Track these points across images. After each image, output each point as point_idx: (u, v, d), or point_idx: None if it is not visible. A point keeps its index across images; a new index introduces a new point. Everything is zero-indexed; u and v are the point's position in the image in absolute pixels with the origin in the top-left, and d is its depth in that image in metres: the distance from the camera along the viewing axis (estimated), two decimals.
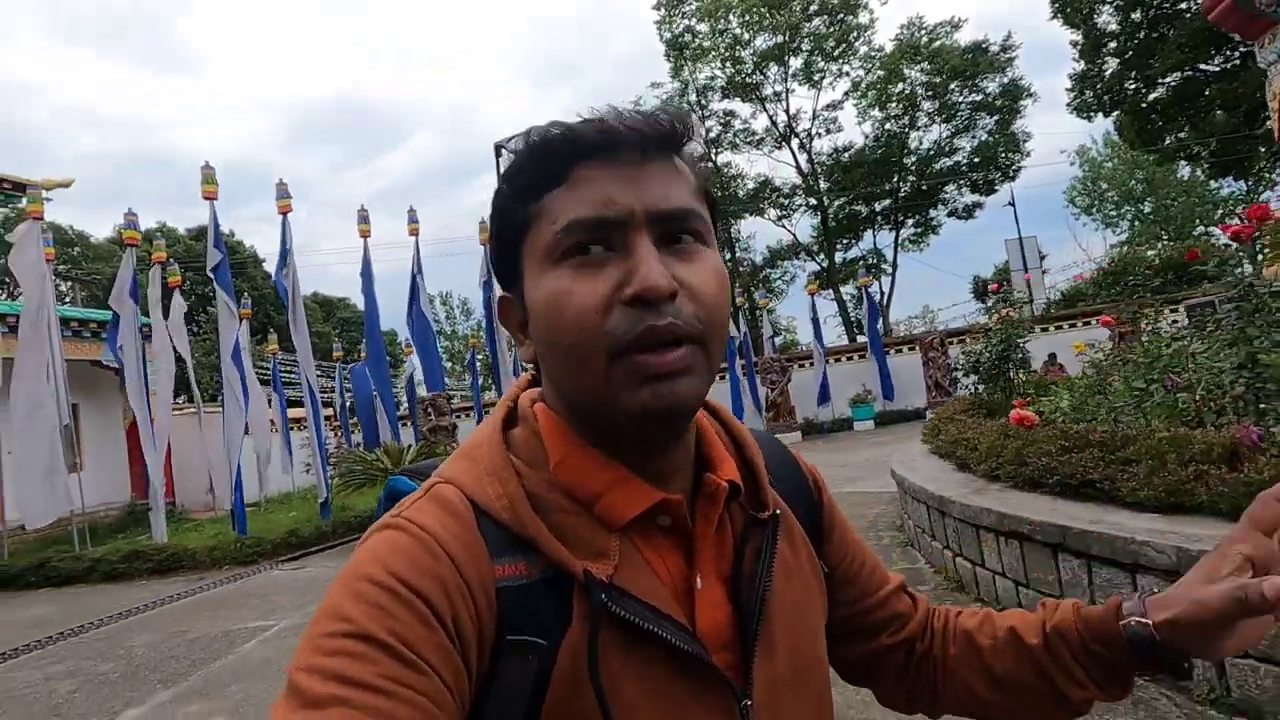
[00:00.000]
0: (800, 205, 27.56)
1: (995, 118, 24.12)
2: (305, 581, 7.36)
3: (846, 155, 26.22)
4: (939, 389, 14.95)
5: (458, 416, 16.23)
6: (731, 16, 23.96)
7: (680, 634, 0.52)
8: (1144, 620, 0.59)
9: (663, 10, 25.09)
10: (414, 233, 12.53)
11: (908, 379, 16.35)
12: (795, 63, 24.89)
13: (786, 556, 0.63)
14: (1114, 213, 38.01)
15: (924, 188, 25.56)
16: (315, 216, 71.79)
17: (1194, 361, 3.96)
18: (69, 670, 5.10)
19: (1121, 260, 17.93)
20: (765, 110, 26.21)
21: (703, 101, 25.67)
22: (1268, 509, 0.57)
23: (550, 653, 0.50)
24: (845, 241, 28.03)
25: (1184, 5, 18.33)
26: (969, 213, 26.12)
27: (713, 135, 25.92)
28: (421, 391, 14.21)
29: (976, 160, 24.74)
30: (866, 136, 25.92)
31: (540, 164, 0.54)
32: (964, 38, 24.08)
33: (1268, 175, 22.26)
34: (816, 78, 25.19)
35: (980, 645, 0.69)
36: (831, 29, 24.21)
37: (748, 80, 25.02)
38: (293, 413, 15.29)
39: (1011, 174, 24.87)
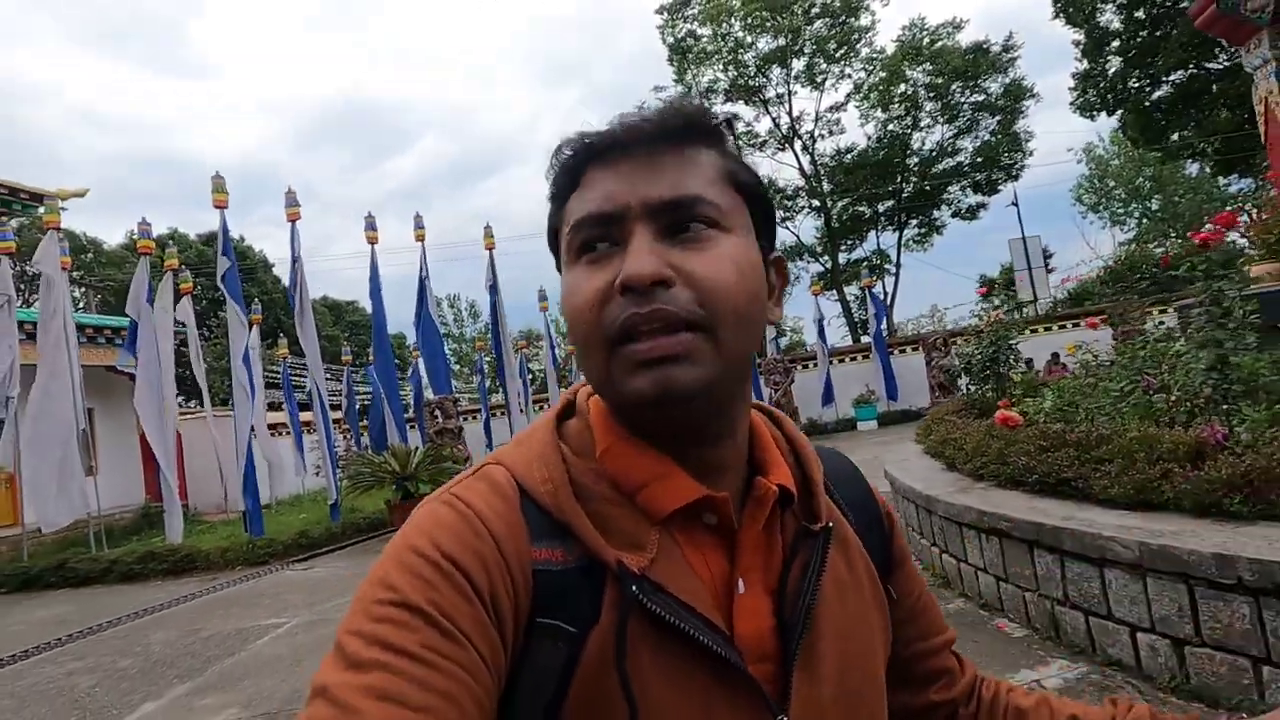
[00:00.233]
0: (803, 207, 27.62)
1: (997, 118, 24.14)
2: (315, 581, 7.55)
3: (849, 157, 26.28)
4: (942, 389, 15.02)
5: (465, 419, 16.44)
6: (734, 20, 24.10)
7: (714, 636, 0.51)
8: None
9: (665, 15, 25.25)
10: (420, 239, 12.71)
11: (911, 379, 16.43)
12: (798, 65, 24.98)
13: (840, 572, 0.61)
14: (1121, 210, 37.86)
15: (927, 188, 25.60)
16: (324, 219, 72.37)
17: (1172, 362, 4.08)
18: (89, 666, 5.30)
19: (1129, 258, 17.93)
20: (768, 113, 26.31)
21: (706, 105, 25.76)
22: None
23: (579, 641, 0.50)
24: (849, 242, 28.09)
25: (1185, 4, 18.31)
26: (972, 213, 26.15)
27: None
28: (429, 394, 14.41)
29: (979, 160, 24.76)
30: (869, 138, 25.98)
31: (563, 171, 0.57)
32: (966, 38, 24.14)
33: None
34: (819, 79, 25.28)
35: None
36: (833, 31, 24.29)
37: (750, 83, 25.13)
38: (303, 416, 15.53)
39: (1014, 174, 24.89)
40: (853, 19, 24.24)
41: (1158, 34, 18.89)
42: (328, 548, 9.37)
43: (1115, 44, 19.98)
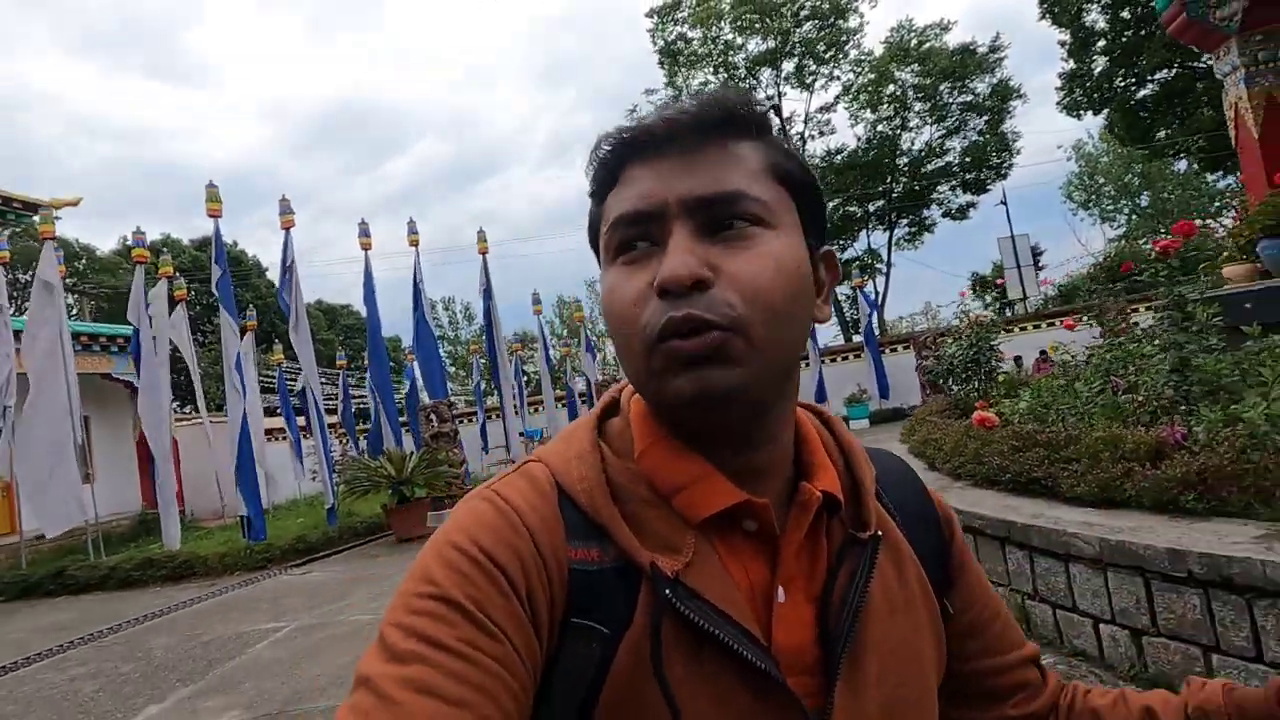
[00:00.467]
0: None
1: (985, 118, 24.37)
2: (314, 585, 7.65)
3: (839, 157, 26.49)
4: (933, 388, 15.19)
5: (460, 421, 16.54)
6: (724, 23, 24.27)
7: (751, 646, 0.50)
8: None
9: (655, 18, 25.40)
10: (414, 244, 12.76)
11: (903, 378, 16.60)
12: (787, 66, 25.20)
13: (890, 584, 0.59)
14: (1111, 207, 38.19)
15: (916, 188, 25.82)
16: (318, 222, 72.24)
17: (1142, 364, 4.23)
18: (91, 672, 5.39)
19: (1118, 255, 18.12)
20: None
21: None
22: None
23: (613, 643, 0.50)
24: (840, 243, 28.27)
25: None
26: (962, 213, 26.39)
27: None
28: (424, 398, 14.50)
29: (968, 160, 24.99)
30: (859, 138, 26.19)
31: (601, 167, 0.57)
32: (953, 39, 24.38)
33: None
34: (808, 81, 25.49)
35: None
36: (822, 33, 24.48)
37: (741, 85, 25.25)
38: (298, 421, 15.58)
39: (1003, 173, 25.13)
40: (841, 21, 24.45)
41: (1142, 33, 19.12)
42: (325, 552, 9.46)
43: (1101, 44, 20.23)
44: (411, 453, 10.53)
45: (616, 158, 0.55)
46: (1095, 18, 19.96)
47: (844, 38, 24.59)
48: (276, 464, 14.07)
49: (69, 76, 75.97)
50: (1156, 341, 4.44)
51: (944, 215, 26.89)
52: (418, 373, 14.53)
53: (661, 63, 25.97)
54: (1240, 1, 5.54)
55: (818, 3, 24.08)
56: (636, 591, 0.51)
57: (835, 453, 0.63)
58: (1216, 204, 32.50)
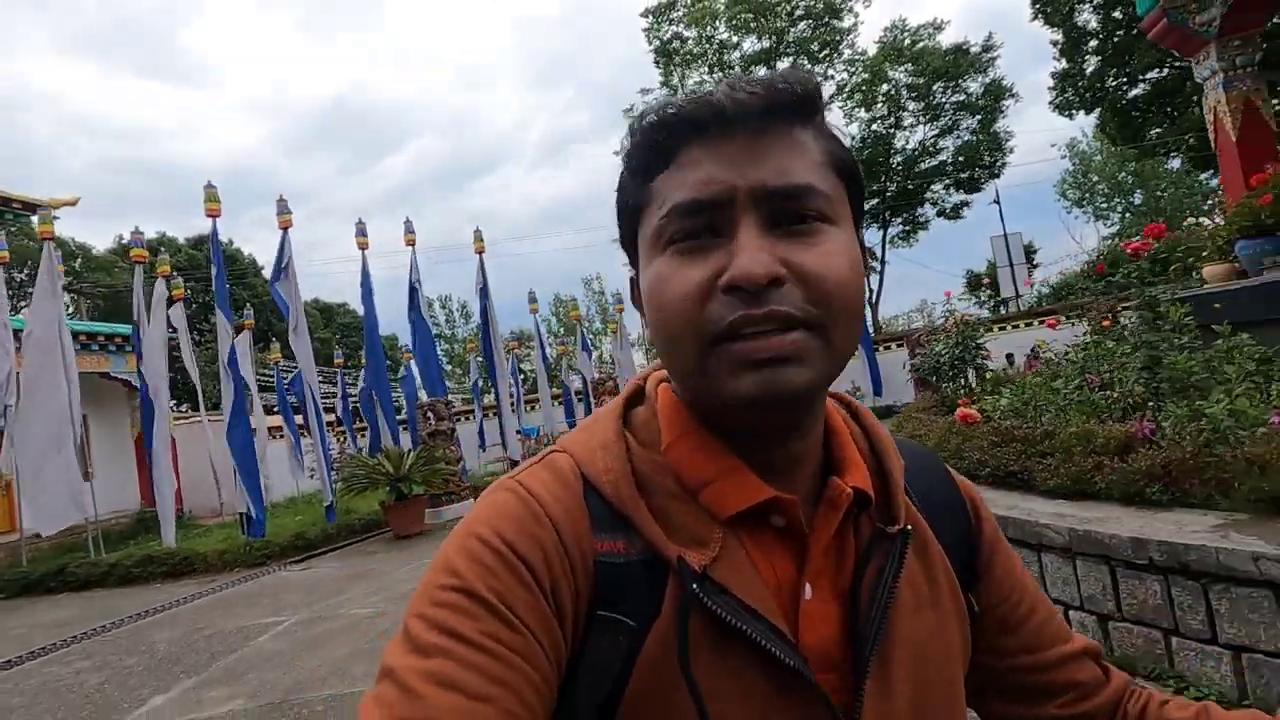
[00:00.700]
0: None
1: (978, 117, 24.52)
2: (313, 581, 7.75)
3: None
4: (925, 385, 15.34)
5: (458, 419, 16.64)
6: (719, 23, 24.37)
7: (779, 642, 0.49)
8: None
9: (651, 18, 25.48)
10: (410, 243, 12.82)
11: (896, 375, 16.76)
12: (782, 66, 25.27)
13: (918, 581, 0.58)
14: (1105, 205, 38.47)
15: (910, 187, 25.96)
16: (315, 221, 72.16)
17: (1118, 362, 4.36)
18: (96, 665, 5.50)
19: (1111, 252, 18.30)
20: None
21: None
22: None
23: (639, 636, 0.49)
24: None
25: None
26: (956, 212, 26.54)
27: None
28: (422, 396, 14.61)
29: (961, 159, 25.14)
30: (853, 137, 26.11)
31: (650, 145, 0.52)
32: (946, 39, 24.51)
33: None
34: None
35: None
36: (816, 33, 24.60)
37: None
38: (296, 419, 15.67)
39: (996, 171, 25.29)
40: (835, 20, 24.55)
41: (1134, 34, 19.27)
42: (324, 549, 9.55)
43: (1093, 43, 20.39)
44: (409, 450, 10.63)
45: (674, 136, 0.51)
46: (1087, 18, 20.13)
47: (838, 37, 24.71)
48: (275, 462, 14.17)
49: (69, 76, 75.81)
50: (1130, 340, 4.59)
51: (938, 214, 27.02)
52: (415, 371, 14.62)
53: (657, 62, 26.05)
54: (1219, 7, 5.67)
55: (812, 2, 24.20)
56: (663, 584, 0.50)
57: (864, 445, 0.62)
58: (1210, 203, 32.83)
